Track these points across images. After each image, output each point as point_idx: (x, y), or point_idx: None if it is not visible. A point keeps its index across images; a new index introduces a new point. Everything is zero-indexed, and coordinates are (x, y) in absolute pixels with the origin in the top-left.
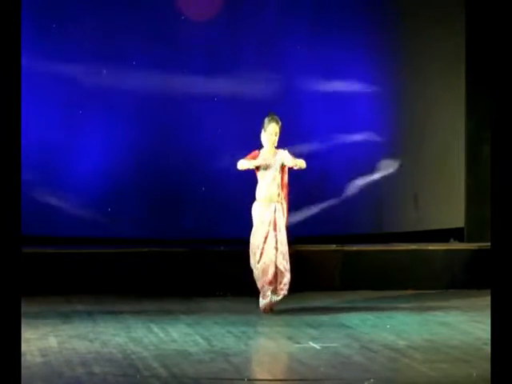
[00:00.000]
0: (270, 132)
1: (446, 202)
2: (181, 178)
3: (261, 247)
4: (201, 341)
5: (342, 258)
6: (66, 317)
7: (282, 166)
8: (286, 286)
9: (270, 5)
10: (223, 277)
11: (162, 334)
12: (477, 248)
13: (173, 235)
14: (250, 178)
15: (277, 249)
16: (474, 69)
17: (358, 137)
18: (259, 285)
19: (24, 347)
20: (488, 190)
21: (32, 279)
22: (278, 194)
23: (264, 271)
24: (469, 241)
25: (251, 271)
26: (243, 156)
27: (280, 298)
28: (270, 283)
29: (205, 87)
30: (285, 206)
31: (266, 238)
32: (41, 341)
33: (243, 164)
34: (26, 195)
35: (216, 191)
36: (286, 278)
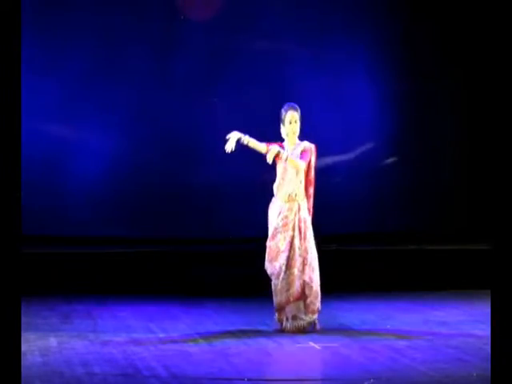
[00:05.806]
0: (289, 120)
1: (446, 202)
2: (180, 178)
3: (286, 255)
4: (201, 341)
5: (341, 258)
6: (66, 317)
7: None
8: (316, 304)
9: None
10: (223, 277)
11: (161, 334)
12: (477, 248)
13: (173, 235)
14: (249, 177)
15: (302, 257)
16: (474, 68)
17: (357, 137)
18: (280, 299)
19: (24, 347)
20: (488, 191)
21: (32, 279)
22: (302, 192)
23: (290, 284)
24: (469, 241)
25: (251, 271)
26: (244, 156)
27: (312, 318)
28: (298, 298)
29: (205, 87)
30: (310, 205)
31: (290, 244)
32: (41, 341)
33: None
34: (26, 195)
35: (216, 191)
36: (314, 293)
